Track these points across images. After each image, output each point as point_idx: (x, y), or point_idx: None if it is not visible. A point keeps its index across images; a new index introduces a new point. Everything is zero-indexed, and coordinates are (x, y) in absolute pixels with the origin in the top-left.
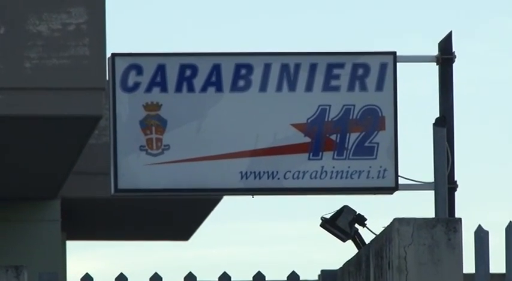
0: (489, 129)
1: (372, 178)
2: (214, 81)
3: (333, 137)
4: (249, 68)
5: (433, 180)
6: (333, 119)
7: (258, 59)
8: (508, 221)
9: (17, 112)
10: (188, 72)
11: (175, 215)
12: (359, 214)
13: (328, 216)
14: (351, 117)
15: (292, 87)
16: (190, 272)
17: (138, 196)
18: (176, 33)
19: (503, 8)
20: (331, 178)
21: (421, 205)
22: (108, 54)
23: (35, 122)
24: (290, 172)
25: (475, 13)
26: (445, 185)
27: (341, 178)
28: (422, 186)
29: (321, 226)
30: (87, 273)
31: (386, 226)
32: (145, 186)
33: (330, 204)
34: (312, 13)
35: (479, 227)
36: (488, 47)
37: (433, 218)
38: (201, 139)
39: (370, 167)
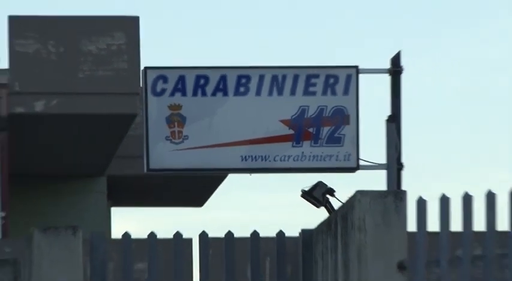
0: (428, 125)
1: (340, 160)
2: (221, 88)
3: (311, 130)
4: (248, 78)
5: (385, 162)
6: (310, 116)
7: (254, 71)
8: (442, 193)
9: (74, 111)
10: (202, 81)
11: (192, 187)
12: (330, 187)
13: (306, 189)
14: (324, 115)
15: (280, 92)
16: (203, 230)
17: (164, 174)
18: (193, 48)
19: (453, 24)
20: (309, 160)
21: (377, 181)
22: (142, 67)
23: (87, 119)
24: (278, 156)
25: (426, 31)
26: (394, 166)
27: (317, 160)
28: (377, 166)
29: (301, 196)
30: (126, 231)
31: (350, 196)
32: (170, 166)
33: (308, 180)
34: (290, 29)
35: (420, 197)
36: (434, 60)
37: (385, 191)
38: (212, 131)
39: (338, 152)
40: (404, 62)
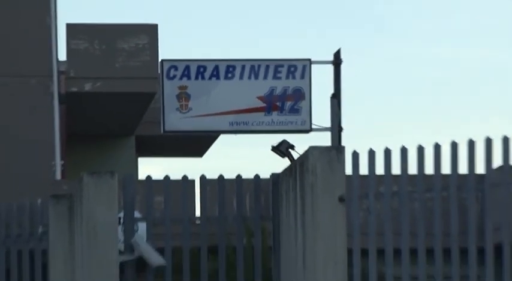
0: (363, 99)
1: (298, 125)
2: (215, 74)
3: (278, 103)
4: (234, 67)
5: (330, 126)
6: (277, 94)
7: (238, 63)
8: (369, 148)
9: (112, 90)
10: (201, 69)
11: (195, 143)
12: (291, 144)
13: (275, 145)
14: (287, 93)
15: (256, 77)
16: (203, 174)
17: (175, 134)
18: (196, 44)
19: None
20: (276, 125)
21: (324, 140)
22: (159, 60)
23: (121, 95)
24: (255, 122)
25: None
26: (336, 129)
27: (282, 125)
28: (324, 129)
29: (271, 150)
30: (148, 175)
31: (305, 150)
32: (179, 129)
33: (276, 139)
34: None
35: (354, 151)
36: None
37: (330, 146)
38: (209, 105)
39: (297, 119)
40: (344, 55)
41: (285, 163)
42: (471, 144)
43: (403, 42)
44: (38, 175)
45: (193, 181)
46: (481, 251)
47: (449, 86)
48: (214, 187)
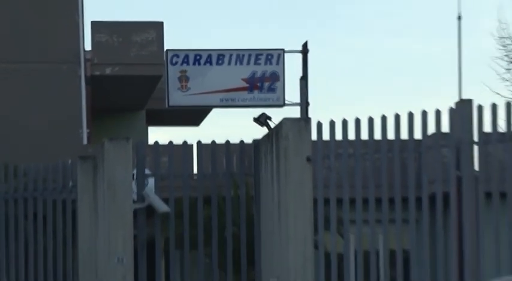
0: (326, 80)
1: (274, 101)
2: (209, 61)
3: (258, 84)
4: (223, 55)
5: (299, 101)
6: (257, 76)
7: (227, 52)
8: (331, 119)
9: (127, 73)
10: (198, 57)
11: (193, 115)
12: (269, 116)
13: (256, 117)
14: (265, 76)
15: (241, 63)
16: (199, 139)
17: (177, 108)
18: (197, 35)
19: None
20: (257, 101)
21: (295, 113)
22: (165, 50)
23: (135, 78)
24: (240, 98)
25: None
26: (304, 104)
27: (261, 101)
28: (294, 104)
29: (253, 121)
30: (156, 140)
31: (280, 121)
32: (180, 104)
33: (257, 112)
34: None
35: (318, 121)
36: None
37: (299, 118)
38: (204, 85)
39: (273, 96)
40: (311, 45)
41: (264, 131)
42: (410, 116)
43: (358, 36)
44: (69, 141)
45: (191, 145)
46: (418, 200)
47: (394, 71)
48: (208, 150)
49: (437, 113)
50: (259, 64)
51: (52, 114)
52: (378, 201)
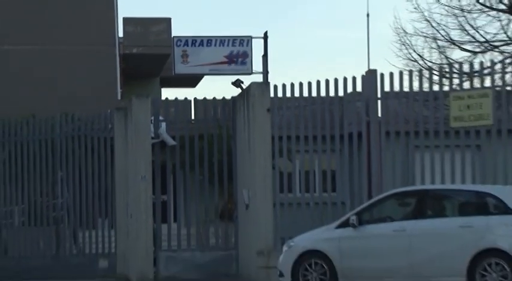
0: (281, 57)
1: (246, 71)
2: (202, 43)
3: (234, 59)
4: (211, 40)
5: (261, 71)
6: (234, 54)
7: (214, 38)
8: (283, 83)
9: (149, 52)
10: (194, 41)
11: (191, 79)
12: (242, 80)
13: (233, 81)
14: (239, 54)
15: (223, 45)
16: (195, 97)
17: (181, 75)
18: (193, 24)
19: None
20: (234, 71)
21: (259, 79)
22: (172, 36)
23: (153, 55)
24: (222, 69)
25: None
26: (265, 73)
27: (237, 71)
28: (259, 72)
29: (231, 84)
30: (166, 97)
31: (249, 84)
32: (183, 72)
33: (234, 78)
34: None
35: (275, 85)
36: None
37: (262, 82)
38: (198, 60)
39: (243, 68)
40: (270, 31)
41: (238, 91)
42: (336, 80)
43: (308, 25)
44: (108, 98)
45: (190, 100)
46: (342, 136)
47: (330, 54)
48: (202, 104)
49: (354, 79)
50: (235, 46)
51: (98, 80)
52: (315, 137)
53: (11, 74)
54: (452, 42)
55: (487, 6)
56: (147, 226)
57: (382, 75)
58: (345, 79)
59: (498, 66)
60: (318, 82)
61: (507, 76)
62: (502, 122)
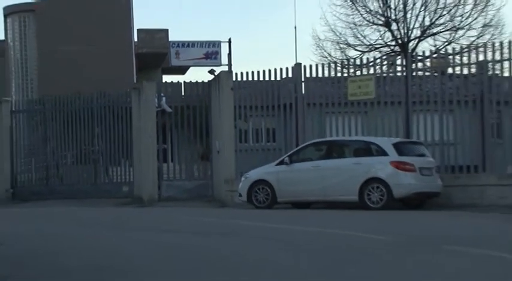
0: (243, 55)
1: (217, 64)
2: (188, 45)
3: (210, 56)
4: (194, 43)
5: (227, 63)
6: (209, 52)
7: (197, 42)
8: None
9: (153, 51)
10: (184, 44)
11: (182, 69)
12: (215, 70)
13: (209, 70)
14: (213, 52)
15: (202, 47)
16: (184, 80)
17: (175, 67)
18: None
19: None
20: (210, 64)
21: (226, 69)
22: (169, 40)
23: (156, 54)
24: (202, 62)
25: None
26: (230, 66)
27: (212, 63)
28: (226, 65)
29: (208, 72)
30: (165, 80)
31: (220, 71)
32: (177, 64)
33: (209, 68)
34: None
35: (236, 73)
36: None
37: (228, 70)
38: (187, 56)
39: (216, 61)
40: (234, 36)
41: (212, 77)
42: (281, 70)
43: (265, 32)
44: (127, 81)
45: (181, 83)
46: (279, 107)
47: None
48: (189, 85)
49: (287, 69)
50: (210, 47)
51: (121, 69)
52: (262, 107)
53: (63, 66)
54: (349, 45)
55: (370, 22)
56: (153, 165)
57: (304, 66)
58: (281, 69)
59: (378, 61)
60: (264, 71)
61: (384, 67)
62: (380, 96)
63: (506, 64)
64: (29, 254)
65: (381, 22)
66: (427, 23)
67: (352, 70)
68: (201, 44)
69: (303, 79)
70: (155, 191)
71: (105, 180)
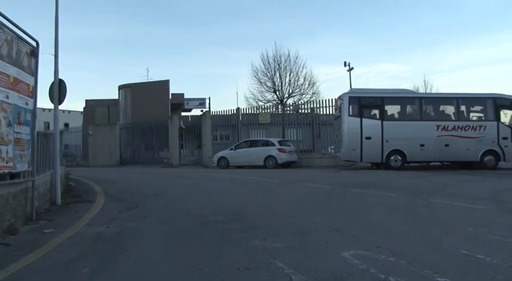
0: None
1: (205, 107)
2: (194, 100)
3: (201, 104)
4: (194, 99)
5: (208, 107)
6: (201, 103)
7: (195, 99)
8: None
9: (176, 102)
10: (190, 101)
11: (189, 109)
12: (203, 110)
13: (201, 110)
14: (203, 102)
15: (198, 100)
16: (190, 115)
17: (186, 109)
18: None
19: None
20: (202, 107)
21: None
22: (184, 97)
23: (178, 104)
24: (198, 107)
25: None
26: (209, 108)
27: (201, 108)
28: (207, 108)
29: (200, 111)
30: (182, 114)
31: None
32: (187, 107)
33: (201, 109)
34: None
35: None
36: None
37: (207, 110)
38: (191, 105)
39: (204, 106)
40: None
41: (202, 113)
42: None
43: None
44: (166, 114)
45: (189, 115)
46: None
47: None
48: (193, 117)
49: (234, 109)
50: (201, 100)
51: (164, 110)
52: (223, 126)
53: (141, 109)
54: (259, 99)
55: (268, 90)
56: (177, 150)
57: (242, 109)
58: (232, 109)
59: (271, 106)
60: (224, 110)
61: (273, 109)
62: (273, 121)
63: (323, 110)
64: (127, 187)
65: (272, 90)
66: (290, 91)
67: (261, 110)
68: (197, 99)
69: (241, 113)
70: (178, 161)
71: (157, 157)
